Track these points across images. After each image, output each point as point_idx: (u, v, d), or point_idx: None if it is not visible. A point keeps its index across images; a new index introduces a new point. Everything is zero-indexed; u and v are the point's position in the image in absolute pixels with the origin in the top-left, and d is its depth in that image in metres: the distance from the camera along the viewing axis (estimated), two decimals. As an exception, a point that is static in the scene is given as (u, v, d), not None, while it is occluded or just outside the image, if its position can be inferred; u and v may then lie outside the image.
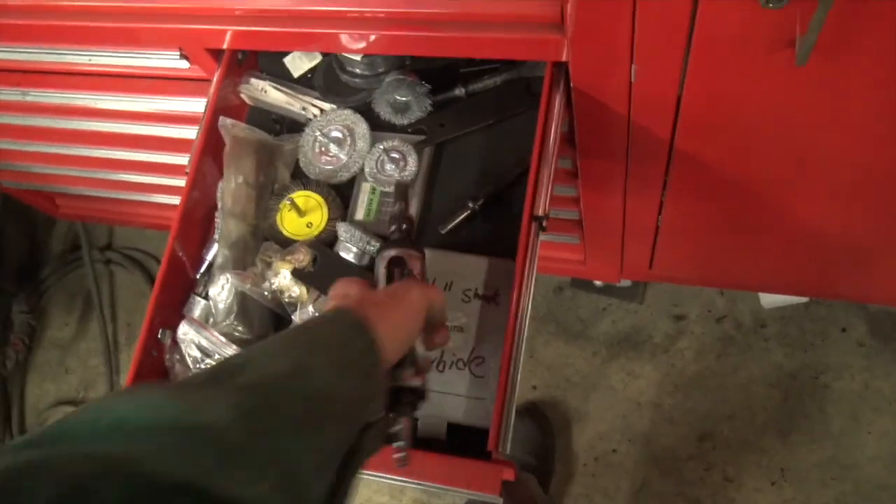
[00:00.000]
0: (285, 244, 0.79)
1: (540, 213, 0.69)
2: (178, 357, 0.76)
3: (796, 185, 0.88)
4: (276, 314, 0.80)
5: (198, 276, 0.82)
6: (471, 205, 0.78)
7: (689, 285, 1.49)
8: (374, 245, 0.79)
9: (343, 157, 0.83)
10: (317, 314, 0.67)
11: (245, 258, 0.79)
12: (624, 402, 1.49)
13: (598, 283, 1.53)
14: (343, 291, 0.61)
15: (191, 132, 1.02)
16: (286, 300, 0.77)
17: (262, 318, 0.79)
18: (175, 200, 1.34)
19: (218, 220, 0.81)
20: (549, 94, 0.72)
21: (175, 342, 0.77)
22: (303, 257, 0.77)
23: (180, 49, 0.82)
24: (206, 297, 0.79)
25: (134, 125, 1.04)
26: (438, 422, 0.71)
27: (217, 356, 0.74)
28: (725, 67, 0.66)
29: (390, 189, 0.81)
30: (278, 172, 0.84)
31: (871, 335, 1.43)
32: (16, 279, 1.83)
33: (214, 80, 0.81)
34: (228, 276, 0.75)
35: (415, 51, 0.73)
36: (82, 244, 1.84)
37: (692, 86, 0.69)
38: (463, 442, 0.68)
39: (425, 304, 0.61)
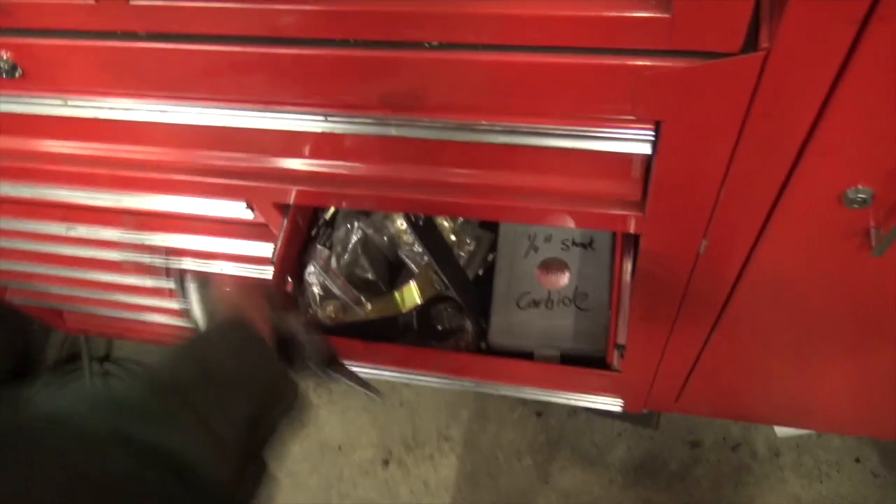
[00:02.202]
0: None
1: (621, 342, 0.73)
2: (299, 296, 0.86)
3: (835, 345, 0.91)
4: (388, 260, 0.89)
5: (314, 233, 0.89)
6: None
7: (710, 417, 1.50)
8: None
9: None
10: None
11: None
12: (642, 533, 1.46)
13: (616, 408, 1.53)
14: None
15: (235, 269, 1.03)
16: (402, 245, 0.85)
17: (380, 262, 0.88)
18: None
19: None
20: (621, 260, 0.74)
21: (298, 286, 0.85)
22: None
23: (247, 202, 0.84)
24: (328, 246, 0.87)
25: (181, 260, 1.05)
26: (553, 353, 0.81)
27: (339, 297, 0.85)
28: (796, 251, 0.70)
29: None
30: None
31: (883, 465, 1.44)
32: (12, 386, 1.76)
33: (281, 233, 0.82)
34: (356, 221, 0.82)
35: (494, 217, 0.76)
36: (83, 356, 1.80)
37: (759, 264, 0.73)
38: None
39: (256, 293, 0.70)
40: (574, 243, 0.85)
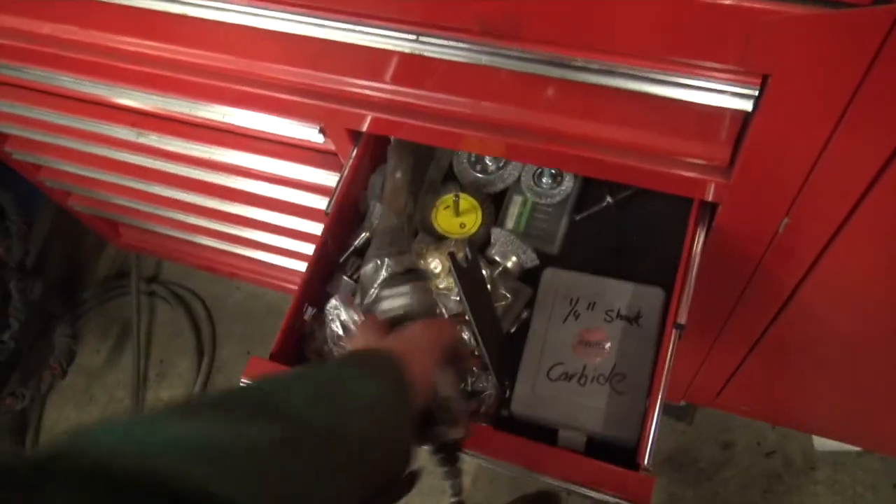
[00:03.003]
0: (437, 240, 0.84)
1: (681, 321, 0.70)
2: (317, 328, 0.79)
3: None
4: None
5: (341, 260, 0.85)
6: (609, 199, 0.85)
7: (747, 417, 1.46)
8: (530, 255, 0.82)
9: (493, 167, 0.89)
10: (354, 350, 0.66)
11: (397, 246, 0.81)
12: (661, 525, 1.44)
13: (650, 398, 1.50)
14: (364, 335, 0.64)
15: (300, 197, 1.03)
16: (433, 290, 0.79)
17: None
18: (247, 252, 1.35)
19: (371, 209, 0.85)
20: (694, 230, 0.72)
21: (316, 316, 0.80)
22: (457, 251, 0.79)
23: (321, 125, 0.83)
24: (353, 279, 0.83)
25: (242, 180, 1.05)
26: (578, 435, 0.74)
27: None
28: (880, 240, 0.66)
29: (546, 201, 0.87)
30: (431, 173, 0.89)
31: (922, 495, 1.39)
32: (59, 300, 1.81)
33: (350, 160, 0.81)
34: (386, 258, 0.76)
35: (570, 168, 0.74)
36: (132, 273, 1.83)
37: (838, 250, 0.69)
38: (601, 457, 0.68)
39: (441, 343, 0.62)
40: (619, 315, 0.78)
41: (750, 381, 1.12)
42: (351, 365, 0.56)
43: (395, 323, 0.68)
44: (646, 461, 0.66)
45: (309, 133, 0.85)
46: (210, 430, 0.42)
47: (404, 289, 0.71)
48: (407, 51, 0.64)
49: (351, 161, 0.82)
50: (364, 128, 0.80)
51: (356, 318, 0.78)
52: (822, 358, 0.98)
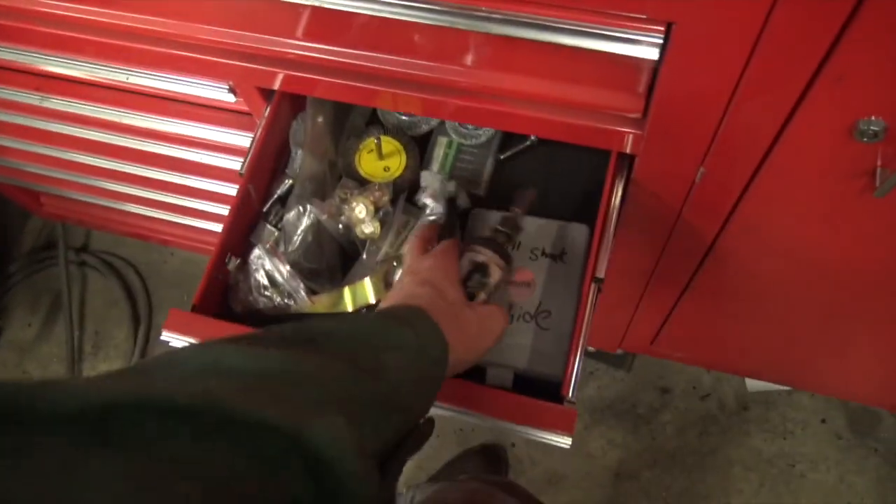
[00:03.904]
0: (361, 184, 0.81)
1: (600, 276, 0.70)
2: (241, 279, 0.78)
3: (822, 296, 0.89)
4: (344, 252, 0.82)
5: (265, 209, 0.83)
6: (532, 138, 0.85)
7: (683, 363, 1.49)
8: (463, 197, 0.81)
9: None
10: (398, 288, 0.65)
11: (321, 192, 0.82)
12: (602, 471, 1.48)
13: (590, 347, 1.52)
14: (433, 264, 0.64)
15: (217, 160, 0.99)
16: (359, 235, 0.78)
17: (332, 252, 0.81)
18: (176, 218, 1.31)
19: (293, 155, 0.82)
20: (612, 183, 0.71)
21: (241, 267, 0.78)
22: (381, 195, 0.78)
23: (230, 84, 0.79)
24: (278, 227, 0.80)
25: (157, 145, 1.00)
26: (505, 371, 0.74)
27: (282, 286, 0.77)
28: (795, 185, 0.67)
29: (471, 142, 0.85)
30: (354, 118, 0.86)
31: (849, 429, 1.45)
32: (-18, 273, 1.74)
33: (263, 120, 0.78)
34: (308, 205, 0.76)
35: (486, 123, 0.72)
36: (59, 243, 1.76)
37: (755, 196, 0.70)
38: (528, 392, 0.69)
39: (497, 339, 0.64)
40: (544, 253, 0.78)
41: (682, 328, 1.14)
42: (388, 317, 0.56)
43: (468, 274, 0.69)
44: (570, 394, 0.66)
45: (219, 93, 0.81)
46: (270, 362, 0.42)
47: (483, 249, 0.70)
48: (313, 3, 0.60)
49: (264, 120, 0.78)
50: (276, 86, 0.77)
51: (281, 267, 0.77)
52: (749, 302, 1.00)
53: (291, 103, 0.82)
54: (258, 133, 0.78)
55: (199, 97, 0.83)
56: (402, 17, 0.59)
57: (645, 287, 1.01)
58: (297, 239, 0.77)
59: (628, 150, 0.69)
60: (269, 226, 0.81)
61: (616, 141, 0.67)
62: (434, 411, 0.55)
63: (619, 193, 0.73)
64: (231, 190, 1.07)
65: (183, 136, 0.94)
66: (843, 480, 1.41)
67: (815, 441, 1.45)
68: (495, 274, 0.69)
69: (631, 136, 0.66)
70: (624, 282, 1.01)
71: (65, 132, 1.05)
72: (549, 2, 0.54)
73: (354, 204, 0.78)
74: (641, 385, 1.53)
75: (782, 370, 1.28)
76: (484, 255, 0.69)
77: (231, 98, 0.81)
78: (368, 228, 0.78)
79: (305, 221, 0.77)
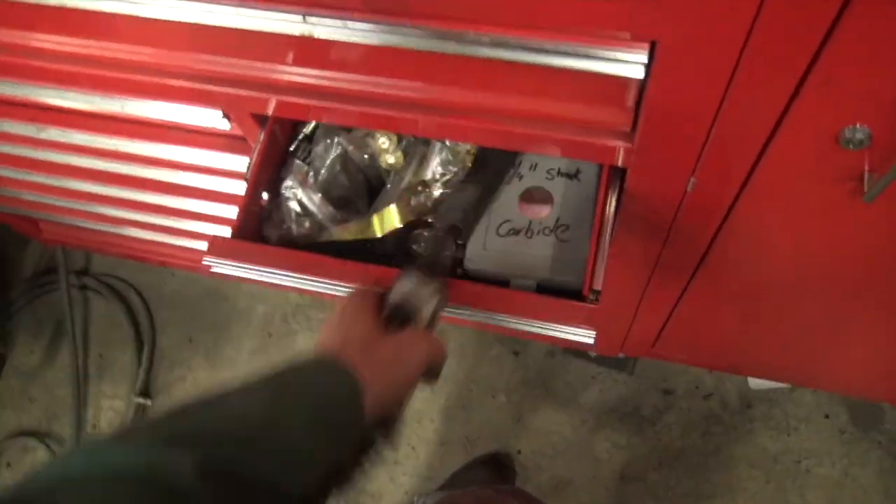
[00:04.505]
0: None
1: (597, 287, 0.72)
2: (274, 209, 0.82)
3: (818, 296, 0.90)
4: (367, 180, 0.86)
5: (292, 148, 0.86)
6: None
7: (684, 364, 1.50)
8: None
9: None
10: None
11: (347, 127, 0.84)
12: (608, 474, 1.48)
13: (591, 353, 1.53)
14: (349, 321, 0.61)
15: (214, 182, 1.00)
16: (383, 165, 0.82)
17: (359, 182, 0.85)
18: (174, 240, 1.32)
19: None
20: (605, 195, 0.72)
21: (272, 200, 0.82)
22: None
23: (224, 110, 0.81)
24: (307, 161, 0.84)
25: (153, 170, 1.01)
26: (528, 282, 0.80)
27: (314, 214, 0.82)
28: (785, 191, 0.68)
29: None
30: None
31: (852, 423, 1.46)
32: (-16, 300, 1.75)
33: (257, 147, 0.79)
34: (336, 137, 0.79)
35: (480, 141, 0.73)
36: (59, 268, 1.77)
37: (746, 203, 0.71)
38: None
39: (424, 365, 0.62)
40: (560, 173, 0.83)
41: (682, 330, 1.15)
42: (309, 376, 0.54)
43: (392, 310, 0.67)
44: (592, 290, 0.71)
45: (213, 119, 0.82)
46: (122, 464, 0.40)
47: (409, 278, 0.69)
48: (297, 33, 0.61)
49: (259, 146, 0.79)
50: (269, 111, 0.78)
51: (312, 196, 0.82)
52: (747, 303, 1.01)
53: (284, 126, 0.83)
54: (254, 158, 0.79)
55: (194, 125, 0.85)
56: (392, 44, 0.60)
57: (643, 292, 1.01)
58: (324, 170, 0.82)
59: (620, 163, 0.70)
60: (298, 161, 0.85)
61: (607, 155, 0.68)
62: (462, 315, 0.58)
63: (613, 204, 0.74)
64: (230, 211, 1.08)
65: (179, 161, 0.95)
66: (847, 474, 1.42)
67: (819, 436, 1.45)
68: (424, 306, 0.67)
69: (621, 150, 0.67)
70: (622, 287, 1.02)
71: (62, 161, 1.06)
72: (534, 24, 0.55)
73: (378, 135, 0.82)
74: (644, 387, 1.54)
75: (783, 368, 1.28)
76: (413, 280, 0.68)
77: (226, 124, 0.82)
78: (391, 159, 0.83)
79: (333, 153, 0.83)
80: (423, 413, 1.57)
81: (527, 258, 0.78)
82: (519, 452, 1.52)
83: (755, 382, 1.49)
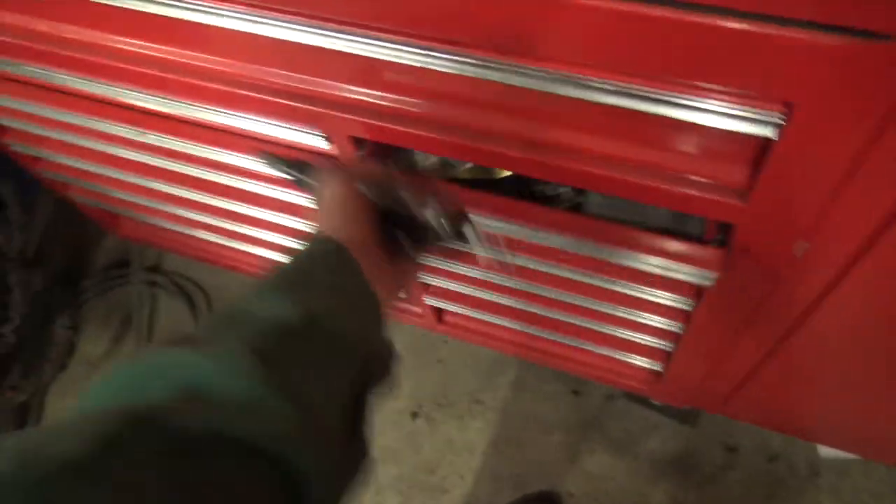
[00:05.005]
0: None
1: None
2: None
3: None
4: None
5: None
6: None
7: (753, 425, 1.45)
8: None
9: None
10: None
11: None
12: (663, 528, 1.44)
13: (655, 401, 1.49)
14: (351, 213, 0.59)
15: (300, 198, 1.01)
16: None
17: None
18: (253, 249, 1.33)
19: None
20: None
21: None
22: None
23: (326, 132, 0.81)
24: None
25: (241, 181, 1.03)
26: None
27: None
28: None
29: None
30: None
31: (927, 504, 1.38)
32: (60, 289, 1.80)
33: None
34: None
35: (582, 184, 0.72)
36: (132, 262, 1.82)
37: (856, 277, 0.67)
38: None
39: (346, 191, 0.60)
40: None
41: (759, 390, 1.10)
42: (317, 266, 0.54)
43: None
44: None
45: (314, 139, 0.83)
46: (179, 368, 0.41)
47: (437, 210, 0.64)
48: (416, 64, 0.61)
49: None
50: (368, 135, 0.78)
51: None
52: (836, 373, 0.96)
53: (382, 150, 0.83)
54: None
55: (291, 142, 0.85)
56: (508, 83, 0.59)
57: (727, 347, 0.98)
58: None
59: (726, 220, 0.67)
60: None
61: (715, 210, 0.66)
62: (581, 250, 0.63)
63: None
64: (300, 224, 1.09)
65: (271, 175, 0.96)
66: (920, 559, 1.34)
67: (892, 515, 1.38)
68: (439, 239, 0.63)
69: (731, 207, 0.65)
70: (708, 339, 0.99)
71: (157, 164, 1.08)
72: (663, 77, 0.54)
73: None
74: (707, 442, 1.49)
75: (861, 440, 1.22)
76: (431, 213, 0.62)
77: (326, 145, 0.83)
78: None
79: None
80: (476, 445, 1.54)
81: (644, 207, 0.76)
82: (571, 495, 1.48)
83: (825, 451, 1.42)
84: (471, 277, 1.08)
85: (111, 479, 0.33)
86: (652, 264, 0.80)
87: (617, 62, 0.54)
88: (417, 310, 1.30)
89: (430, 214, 0.61)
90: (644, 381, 1.24)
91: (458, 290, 1.13)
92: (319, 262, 0.53)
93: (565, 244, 0.83)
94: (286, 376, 0.42)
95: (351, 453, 0.49)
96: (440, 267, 1.07)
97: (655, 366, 1.14)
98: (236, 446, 0.38)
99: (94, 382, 0.41)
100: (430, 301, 1.22)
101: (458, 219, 0.63)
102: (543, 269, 0.93)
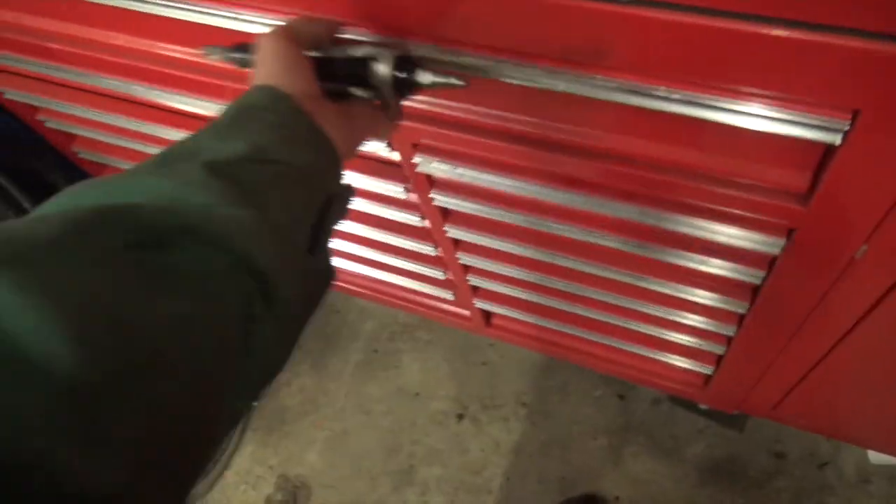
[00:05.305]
0: None
1: None
2: None
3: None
4: None
5: None
6: None
7: (802, 430, 1.44)
8: None
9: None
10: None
11: None
12: (709, 533, 1.44)
13: (702, 405, 1.49)
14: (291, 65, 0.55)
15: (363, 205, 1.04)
16: None
17: None
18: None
19: None
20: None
21: None
22: None
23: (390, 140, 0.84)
24: None
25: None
26: None
27: None
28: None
29: None
30: None
31: (982, 513, 1.36)
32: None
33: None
34: None
35: (637, 189, 0.73)
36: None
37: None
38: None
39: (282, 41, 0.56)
40: None
41: (809, 396, 1.10)
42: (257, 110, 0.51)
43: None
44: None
45: (376, 146, 0.86)
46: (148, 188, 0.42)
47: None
48: (481, 75, 0.64)
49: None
50: (429, 142, 0.81)
51: None
52: (887, 377, 0.96)
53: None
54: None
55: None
56: (573, 92, 0.61)
57: (778, 353, 0.98)
58: None
59: (786, 224, 0.69)
60: None
61: (776, 213, 0.67)
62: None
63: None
64: (368, 231, 1.12)
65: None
66: (975, 569, 1.32)
67: (945, 523, 1.36)
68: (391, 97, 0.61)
69: (792, 211, 0.66)
70: (761, 342, 0.99)
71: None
72: (729, 87, 0.55)
73: None
74: (754, 447, 1.48)
75: (914, 446, 1.21)
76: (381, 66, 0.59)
77: (386, 152, 0.86)
78: None
79: None
80: (521, 447, 1.56)
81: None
82: (616, 499, 1.49)
83: (876, 457, 1.41)
84: (521, 280, 1.10)
85: (82, 258, 0.34)
86: (710, 265, 0.81)
87: (686, 74, 0.56)
88: (466, 313, 1.32)
89: (380, 65, 0.59)
90: (691, 384, 1.24)
91: (507, 292, 1.15)
92: (262, 108, 0.51)
93: (618, 244, 0.85)
94: (244, 189, 0.44)
95: (314, 263, 0.50)
96: (491, 270, 1.10)
97: (705, 369, 1.15)
98: (203, 243, 0.40)
99: (57, 196, 0.41)
100: (480, 304, 1.24)
101: (407, 63, 0.61)
102: (591, 270, 0.95)
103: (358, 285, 1.39)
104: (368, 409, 1.66)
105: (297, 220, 0.49)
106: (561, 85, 0.61)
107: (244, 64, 0.66)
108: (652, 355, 1.17)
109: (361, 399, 1.66)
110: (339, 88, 0.61)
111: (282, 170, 0.48)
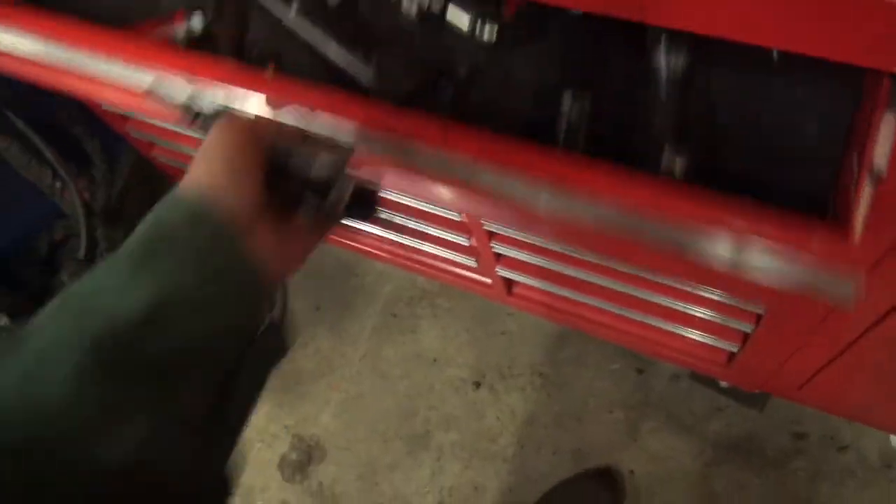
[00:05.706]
0: None
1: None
2: None
3: None
4: None
5: None
6: None
7: (825, 412, 1.42)
8: None
9: None
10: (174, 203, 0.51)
11: None
12: (725, 511, 1.43)
13: (723, 383, 1.47)
14: (237, 167, 0.50)
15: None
16: None
17: None
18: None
19: None
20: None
21: None
22: None
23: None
24: None
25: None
26: None
27: None
28: None
29: None
30: None
31: None
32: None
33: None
34: None
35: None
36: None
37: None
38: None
39: (244, 142, 0.51)
40: None
41: (839, 377, 1.08)
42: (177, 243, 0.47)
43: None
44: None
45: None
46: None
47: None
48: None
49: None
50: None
51: None
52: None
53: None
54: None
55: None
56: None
57: (811, 331, 0.96)
58: None
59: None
60: None
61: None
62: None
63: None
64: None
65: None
66: None
67: (967, 511, 1.34)
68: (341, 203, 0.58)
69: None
70: (790, 321, 0.97)
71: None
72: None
73: None
74: (774, 427, 1.47)
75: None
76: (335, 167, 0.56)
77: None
78: None
79: None
80: (537, 417, 1.56)
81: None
82: (632, 472, 1.48)
83: (899, 442, 1.39)
84: (545, 249, 1.08)
85: None
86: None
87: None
88: (487, 280, 1.30)
89: (340, 186, 0.56)
90: (715, 362, 1.22)
91: (530, 261, 1.13)
92: (179, 235, 0.46)
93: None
94: (131, 383, 0.40)
95: (218, 449, 0.46)
96: (516, 237, 1.08)
97: (731, 346, 1.13)
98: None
99: None
100: (502, 272, 1.23)
101: (365, 195, 0.59)
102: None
103: (377, 248, 1.37)
104: (385, 373, 1.65)
105: (196, 408, 0.44)
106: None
107: (202, 122, 0.62)
108: (675, 330, 1.15)
109: (378, 363, 1.66)
110: (289, 196, 0.56)
111: (185, 337, 0.43)
